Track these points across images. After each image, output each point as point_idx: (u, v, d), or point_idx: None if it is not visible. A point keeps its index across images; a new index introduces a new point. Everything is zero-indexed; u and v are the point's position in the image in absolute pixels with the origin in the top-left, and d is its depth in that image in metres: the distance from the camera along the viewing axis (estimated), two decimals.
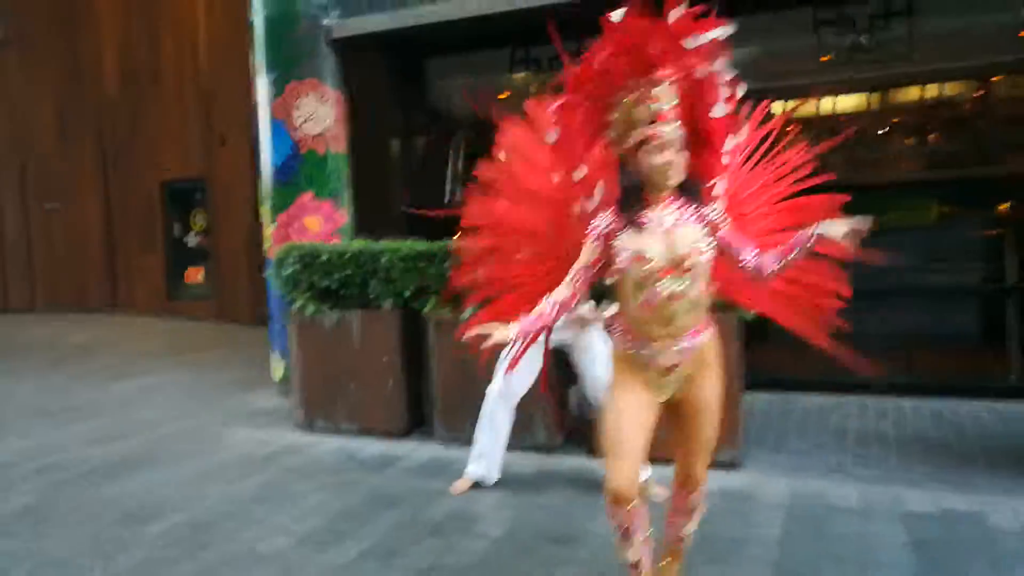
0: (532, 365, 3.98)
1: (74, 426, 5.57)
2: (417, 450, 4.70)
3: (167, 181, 11.97)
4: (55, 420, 5.77)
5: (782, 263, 2.35)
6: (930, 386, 5.35)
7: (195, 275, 12.04)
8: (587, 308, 3.79)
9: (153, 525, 3.64)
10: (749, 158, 2.70)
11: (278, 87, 5.85)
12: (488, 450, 4.04)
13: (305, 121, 5.82)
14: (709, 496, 2.77)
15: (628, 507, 2.39)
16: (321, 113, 5.86)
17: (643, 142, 2.29)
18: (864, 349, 2.73)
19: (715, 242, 2.35)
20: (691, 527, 2.70)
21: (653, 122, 2.28)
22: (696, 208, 2.36)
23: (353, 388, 4.99)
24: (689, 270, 2.30)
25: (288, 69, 5.83)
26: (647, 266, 2.30)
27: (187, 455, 4.76)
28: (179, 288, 12.09)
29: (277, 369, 6.21)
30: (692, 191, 2.39)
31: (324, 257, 4.95)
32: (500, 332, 2.34)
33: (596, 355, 3.94)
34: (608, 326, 2.67)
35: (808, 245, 2.31)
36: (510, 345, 2.49)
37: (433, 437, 4.87)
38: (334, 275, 4.93)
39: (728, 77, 2.35)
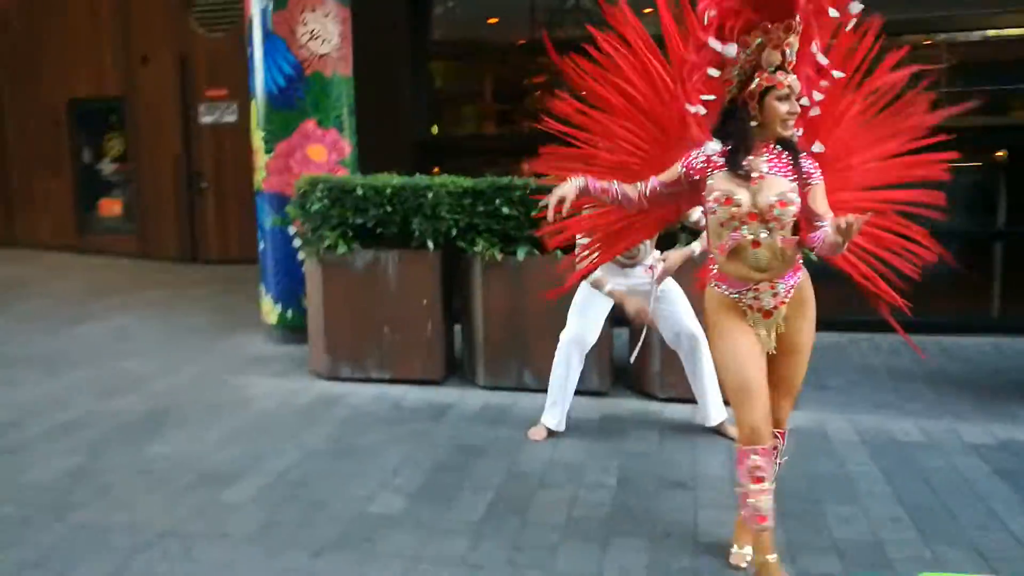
0: (600, 310, 3.91)
1: (64, 376, 4.96)
2: (464, 398, 4.51)
3: (76, 100, 10.66)
4: (37, 370, 5.12)
5: (818, 252, 2.41)
6: (932, 323, 5.68)
7: (111, 207, 10.94)
8: (676, 254, 3.71)
9: (239, 487, 3.31)
10: (872, 106, 2.62)
11: None
12: (560, 398, 3.94)
13: (311, 39, 5.26)
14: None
15: (764, 445, 2.41)
16: (328, 30, 5.31)
17: (769, 88, 2.32)
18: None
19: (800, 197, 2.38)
20: (775, 469, 2.64)
21: (781, 69, 2.31)
22: (793, 160, 2.39)
23: (387, 333, 4.69)
24: (774, 219, 2.35)
25: None
26: (733, 209, 2.38)
27: (215, 408, 4.35)
28: (92, 221, 10.96)
29: (271, 313, 5.76)
30: (791, 143, 2.42)
31: (359, 192, 4.56)
32: (563, 187, 2.56)
33: (676, 299, 3.89)
34: (704, 263, 2.74)
35: (824, 244, 2.34)
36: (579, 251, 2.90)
37: (475, 383, 4.69)
38: (370, 212, 4.56)
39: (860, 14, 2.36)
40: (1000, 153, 5.81)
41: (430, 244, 4.56)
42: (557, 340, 3.95)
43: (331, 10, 5.34)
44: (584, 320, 3.92)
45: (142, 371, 5.06)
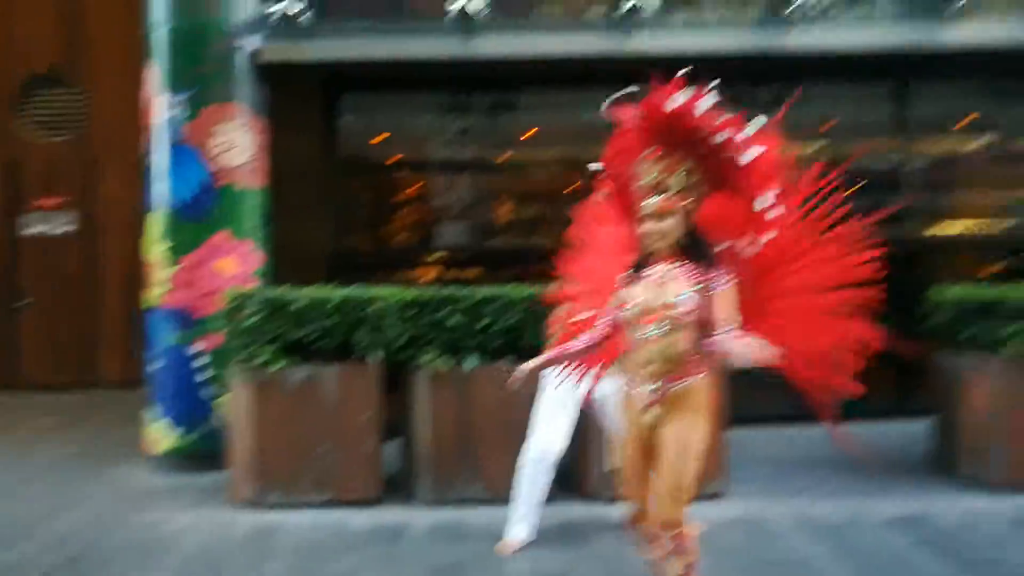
0: (566, 421, 4.00)
1: None
2: (412, 517, 4.33)
3: None
4: None
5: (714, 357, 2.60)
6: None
7: None
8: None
9: None
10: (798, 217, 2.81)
11: (192, 108, 5.05)
12: (530, 510, 3.92)
13: (224, 150, 5.10)
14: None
15: (642, 525, 2.72)
16: (242, 142, 5.19)
17: (640, 210, 2.60)
18: None
19: (700, 301, 2.54)
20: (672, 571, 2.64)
21: (654, 191, 2.57)
22: (698, 267, 2.57)
23: (324, 451, 4.45)
24: (667, 319, 2.53)
25: (204, 90, 5.08)
26: (627, 311, 2.60)
27: (140, 551, 3.84)
28: None
29: (162, 440, 5.20)
30: (704, 253, 2.60)
31: (299, 304, 4.39)
32: (532, 362, 2.84)
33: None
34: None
35: (720, 350, 2.52)
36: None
37: (416, 499, 4.53)
38: (310, 325, 4.40)
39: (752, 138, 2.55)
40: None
41: (372, 357, 4.46)
42: (510, 449, 3.94)
43: (244, 121, 5.25)
44: (552, 429, 3.93)
45: (27, 514, 4.34)
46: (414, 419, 4.58)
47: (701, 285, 2.54)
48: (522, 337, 4.43)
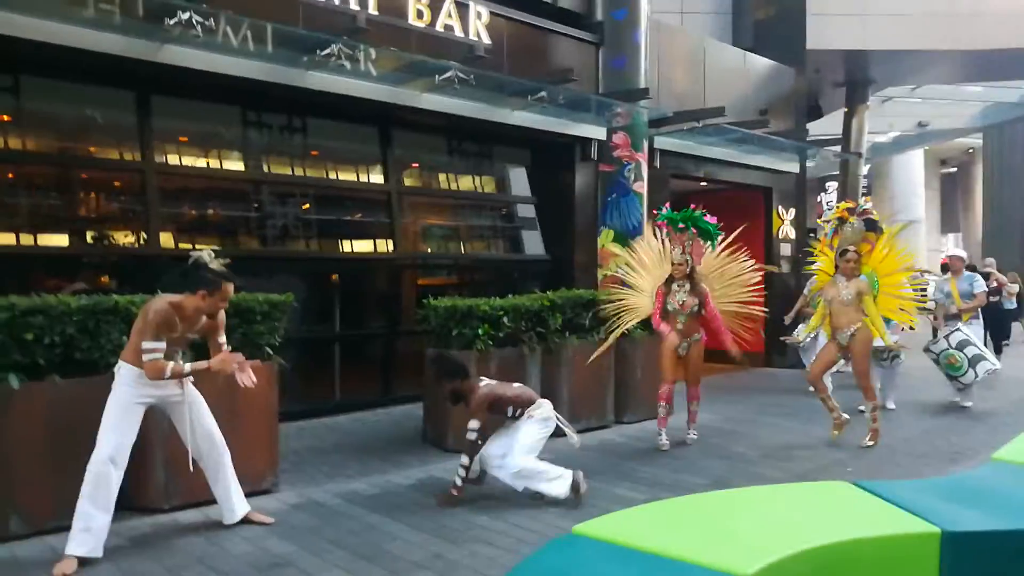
0: (137, 420, 3.94)
1: None
2: None
3: None
4: None
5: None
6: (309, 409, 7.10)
7: None
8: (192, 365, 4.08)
9: None
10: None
11: None
12: (97, 522, 3.74)
13: None
14: None
15: None
16: None
17: None
18: None
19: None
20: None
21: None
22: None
23: None
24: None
25: None
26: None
27: None
28: None
29: None
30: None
31: None
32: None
33: (202, 406, 4.26)
34: None
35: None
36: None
37: None
38: None
39: None
40: (334, 277, 7.77)
41: None
42: (55, 471, 3.80)
43: None
44: (122, 434, 3.83)
45: None
46: None
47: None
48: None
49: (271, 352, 5.01)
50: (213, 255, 4.04)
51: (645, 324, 6.69)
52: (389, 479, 5.34)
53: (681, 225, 6.24)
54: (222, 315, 4.17)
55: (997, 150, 31.82)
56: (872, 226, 6.55)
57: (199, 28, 5.27)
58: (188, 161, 7.00)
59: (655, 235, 6.77)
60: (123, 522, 4.26)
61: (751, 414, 7.81)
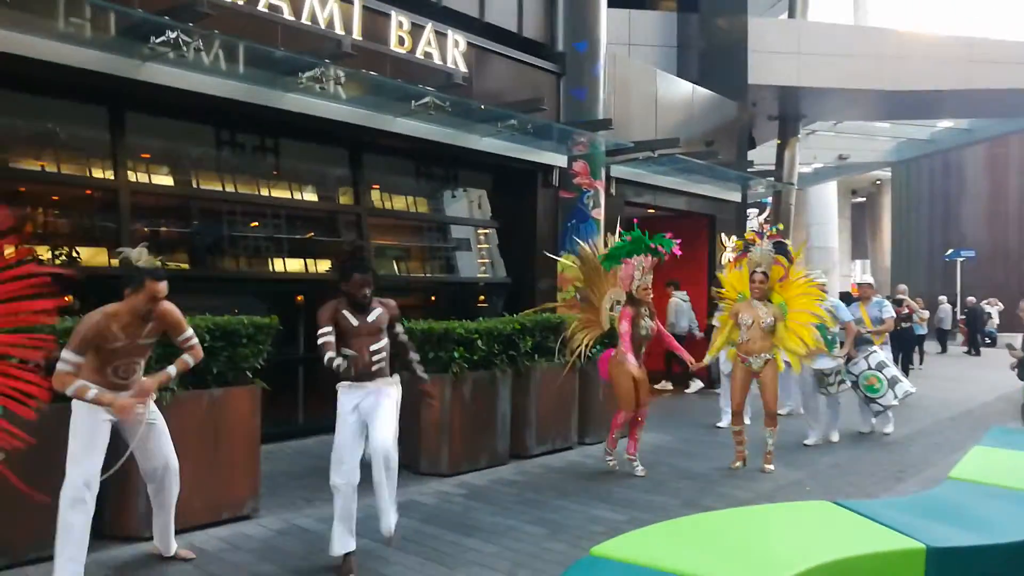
0: (105, 439, 3.78)
1: None
2: None
3: None
4: None
5: None
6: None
7: None
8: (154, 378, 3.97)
9: None
10: None
11: None
12: (76, 552, 3.62)
13: None
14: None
15: None
16: None
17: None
18: None
19: None
20: None
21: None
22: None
23: None
24: None
25: None
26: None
27: None
28: None
29: None
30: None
31: None
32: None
33: (163, 429, 4.09)
34: None
35: None
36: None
37: None
38: None
39: None
40: (299, 298, 7.71)
41: None
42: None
43: None
44: (92, 456, 3.70)
45: None
46: None
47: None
48: None
49: (252, 376, 4.98)
50: (144, 253, 3.81)
51: (603, 341, 6.83)
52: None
53: (654, 246, 6.18)
54: (175, 313, 3.96)
55: (904, 181, 33.91)
56: (782, 249, 6.60)
57: (185, 48, 5.23)
58: (158, 180, 6.88)
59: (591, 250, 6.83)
60: (105, 551, 4.20)
61: (702, 435, 8.11)
